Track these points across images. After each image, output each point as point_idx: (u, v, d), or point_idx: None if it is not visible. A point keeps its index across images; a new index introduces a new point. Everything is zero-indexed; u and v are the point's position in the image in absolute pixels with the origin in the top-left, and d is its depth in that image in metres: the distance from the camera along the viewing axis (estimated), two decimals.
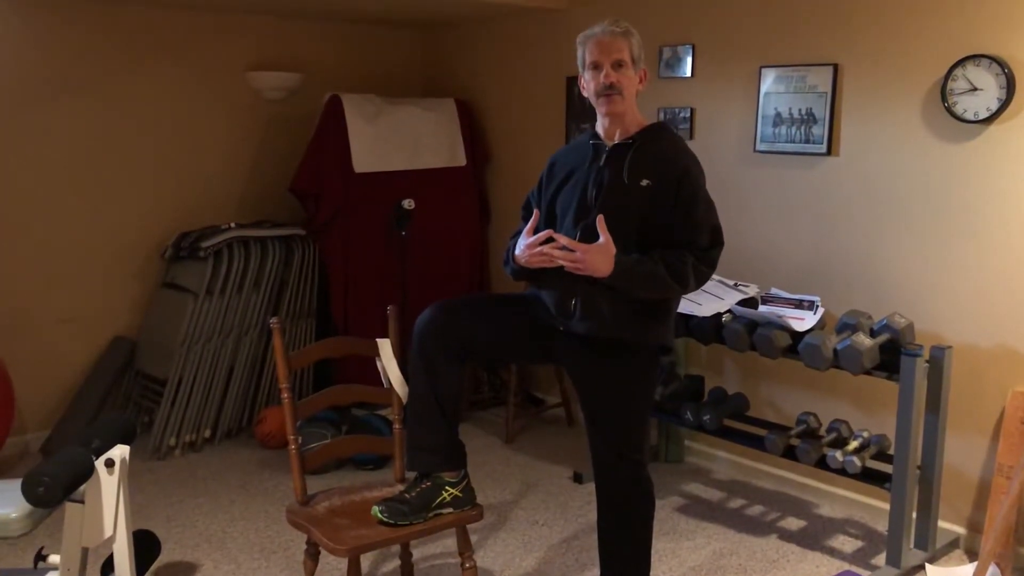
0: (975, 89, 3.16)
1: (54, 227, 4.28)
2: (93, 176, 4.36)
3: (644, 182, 2.49)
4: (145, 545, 2.84)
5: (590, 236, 2.47)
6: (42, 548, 2.61)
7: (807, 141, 3.66)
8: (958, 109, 3.21)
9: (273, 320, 2.62)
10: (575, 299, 2.53)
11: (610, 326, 2.51)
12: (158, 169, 4.56)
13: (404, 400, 2.73)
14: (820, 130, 3.61)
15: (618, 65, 2.51)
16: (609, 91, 2.51)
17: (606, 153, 2.57)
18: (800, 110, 3.67)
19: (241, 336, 4.40)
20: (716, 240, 2.56)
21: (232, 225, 4.45)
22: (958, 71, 3.19)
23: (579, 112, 4.55)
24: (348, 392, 2.89)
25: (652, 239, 2.50)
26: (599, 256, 2.41)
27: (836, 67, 3.55)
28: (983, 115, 3.15)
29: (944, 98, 3.23)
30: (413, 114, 4.83)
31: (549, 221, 2.65)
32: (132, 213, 4.50)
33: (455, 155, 4.97)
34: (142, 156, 4.50)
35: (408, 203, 4.40)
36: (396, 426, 2.78)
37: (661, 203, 2.49)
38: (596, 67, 2.53)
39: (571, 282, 2.52)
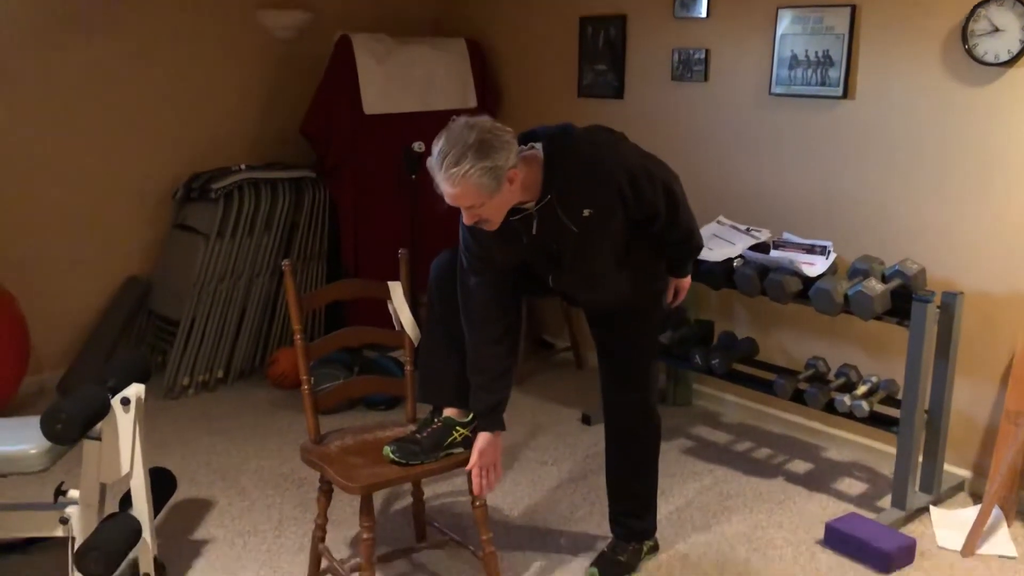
0: (996, 30, 3.10)
1: (66, 168, 4.27)
2: (103, 117, 4.34)
3: (586, 212, 2.38)
4: (161, 482, 2.89)
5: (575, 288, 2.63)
6: (62, 483, 2.66)
7: (823, 84, 3.61)
8: (978, 51, 3.15)
9: (285, 262, 2.62)
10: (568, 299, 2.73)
11: (611, 303, 2.66)
12: (168, 110, 4.53)
13: (415, 342, 2.75)
14: (836, 73, 3.56)
15: (471, 207, 2.28)
16: (477, 223, 2.34)
17: (535, 221, 2.39)
18: (816, 52, 3.61)
19: (253, 278, 4.41)
20: (672, 190, 2.48)
21: (243, 167, 4.43)
22: (980, 11, 3.12)
23: (592, 54, 4.49)
24: (360, 334, 2.91)
25: (633, 241, 2.53)
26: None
27: (854, 8, 3.48)
28: (1004, 57, 3.09)
29: (965, 40, 3.17)
30: (424, 54, 4.76)
31: (520, 267, 2.57)
32: (143, 154, 4.48)
33: (466, 96, 4.91)
34: (152, 97, 4.47)
35: (418, 146, 4.38)
36: (408, 367, 2.80)
37: (616, 218, 2.42)
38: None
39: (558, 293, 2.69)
